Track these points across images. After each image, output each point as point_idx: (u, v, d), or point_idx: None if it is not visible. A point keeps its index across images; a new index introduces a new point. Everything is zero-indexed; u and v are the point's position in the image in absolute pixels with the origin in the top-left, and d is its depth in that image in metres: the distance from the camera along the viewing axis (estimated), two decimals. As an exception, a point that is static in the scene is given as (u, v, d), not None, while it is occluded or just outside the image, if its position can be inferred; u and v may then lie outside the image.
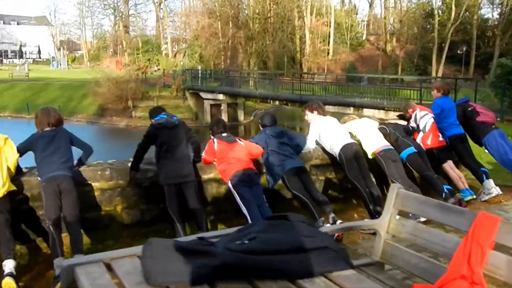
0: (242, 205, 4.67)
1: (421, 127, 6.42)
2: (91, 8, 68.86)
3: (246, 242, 2.45)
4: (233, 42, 41.64)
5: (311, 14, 48.58)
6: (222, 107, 30.06)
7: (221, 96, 29.01)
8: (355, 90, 22.58)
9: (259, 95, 26.08)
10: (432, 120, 6.37)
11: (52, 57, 76.21)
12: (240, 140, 5.12)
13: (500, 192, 6.17)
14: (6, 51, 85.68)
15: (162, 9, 62.28)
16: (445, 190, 5.62)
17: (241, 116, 31.09)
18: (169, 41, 59.04)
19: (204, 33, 43.59)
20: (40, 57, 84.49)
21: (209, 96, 29.96)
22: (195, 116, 30.91)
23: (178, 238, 3.07)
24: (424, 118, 6.46)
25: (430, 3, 49.43)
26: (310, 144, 5.77)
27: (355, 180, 5.37)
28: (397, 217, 2.92)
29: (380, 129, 6.03)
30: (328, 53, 51.14)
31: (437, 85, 7.15)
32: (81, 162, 4.67)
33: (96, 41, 72.68)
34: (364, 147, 5.74)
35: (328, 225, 4.77)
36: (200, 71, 34.92)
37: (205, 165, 5.16)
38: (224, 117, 27.59)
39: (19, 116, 32.62)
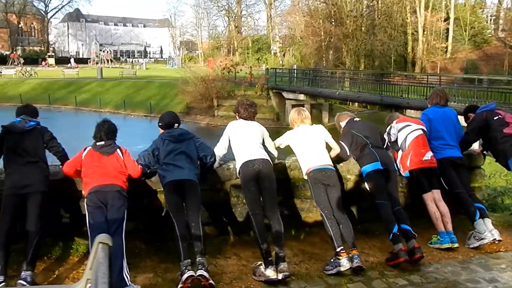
0: (88, 229, 3.86)
1: (399, 143, 4.93)
2: (207, 9, 71.32)
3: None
4: (331, 40, 39.60)
5: (425, 9, 44.03)
6: (304, 108, 28.22)
7: (302, 96, 27.45)
8: (468, 93, 18.18)
9: (339, 96, 23.93)
10: (417, 133, 4.94)
11: (169, 56, 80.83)
12: (121, 155, 4.18)
13: (498, 238, 4.72)
14: (133, 51, 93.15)
15: (272, 9, 62.59)
16: (394, 231, 4.32)
17: (325, 118, 29.01)
18: (277, 40, 59.07)
19: (306, 32, 42.64)
20: (162, 57, 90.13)
21: (291, 96, 28.65)
22: (276, 116, 29.61)
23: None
24: (403, 131, 4.93)
25: None
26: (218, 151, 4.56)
27: (249, 209, 4.22)
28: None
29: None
30: (446, 51, 45.99)
31: (432, 96, 5.58)
32: None
33: (210, 41, 75.27)
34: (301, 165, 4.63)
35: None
36: (280, 70, 33.73)
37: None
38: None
39: (117, 112, 34.62)
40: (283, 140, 4.75)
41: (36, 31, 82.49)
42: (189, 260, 3.75)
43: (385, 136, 5.08)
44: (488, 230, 4.73)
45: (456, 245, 4.69)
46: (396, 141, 5.03)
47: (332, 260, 4.19)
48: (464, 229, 5.00)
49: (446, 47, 46.05)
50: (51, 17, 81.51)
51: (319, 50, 41.80)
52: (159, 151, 4.26)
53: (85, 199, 4.00)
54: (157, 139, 4.38)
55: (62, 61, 66.87)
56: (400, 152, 4.98)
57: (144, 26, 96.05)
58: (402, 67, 41.81)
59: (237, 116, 4.63)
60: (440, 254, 4.66)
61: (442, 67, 43.41)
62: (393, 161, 4.80)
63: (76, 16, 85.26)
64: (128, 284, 3.62)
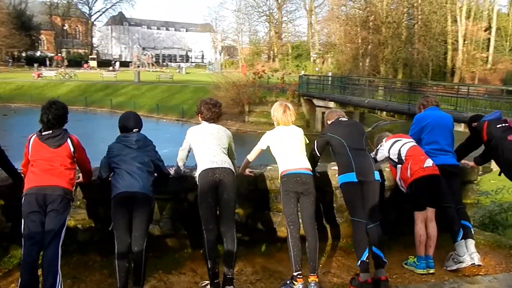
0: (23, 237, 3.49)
1: (396, 159, 4.58)
2: (248, 15, 71.74)
3: None
4: (367, 48, 38.89)
5: (466, 18, 42.55)
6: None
7: (331, 104, 27.01)
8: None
9: (367, 104, 23.38)
10: (410, 144, 4.58)
11: (209, 61, 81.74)
12: (72, 146, 3.75)
13: (477, 263, 4.38)
14: (175, 56, 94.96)
15: (312, 15, 62.26)
16: (363, 258, 3.98)
17: (355, 127, 28.37)
18: (317, 46, 58.71)
19: (342, 39, 42.15)
20: (203, 62, 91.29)
21: (321, 103, 28.32)
22: (306, 123, 29.25)
23: None
24: (395, 146, 4.60)
25: None
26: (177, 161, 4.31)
27: (203, 222, 3.87)
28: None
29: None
30: (486, 62, 44.27)
31: (421, 101, 5.24)
32: None
33: (251, 46, 75.67)
34: None
35: None
36: (314, 77, 33.06)
37: None
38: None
39: (150, 115, 35.11)
40: (263, 143, 4.30)
41: (80, 33, 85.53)
42: None
43: (373, 154, 4.66)
44: (468, 253, 4.39)
45: (431, 270, 4.36)
46: (389, 158, 4.65)
47: (287, 282, 3.97)
48: (449, 248, 4.63)
49: (487, 57, 44.45)
50: (94, 20, 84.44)
51: (355, 57, 41.17)
52: (113, 156, 3.93)
53: (22, 199, 3.58)
54: (112, 144, 4.02)
55: (104, 64, 69.04)
56: (398, 167, 4.56)
57: (187, 31, 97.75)
58: (441, 77, 40.52)
59: (199, 118, 4.25)
60: (412, 276, 4.39)
61: (481, 77, 41.93)
62: (372, 170, 4.17)
63: (119, 20, 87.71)
64: None
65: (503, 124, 4.74)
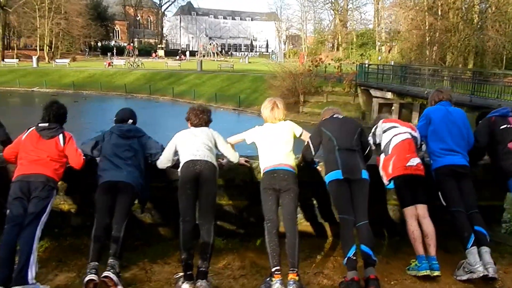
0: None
1: (382, 146, 4.40)
2: (312, 2, 70.73)
3: None
4: (434, 35, 36.83)
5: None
6: (393, 107, 26.73)
7: (389, 95, 25.99)
8: None
9: (426, 95, 22.11)
10: (403, 137, 4.33)
11: (272, 50, 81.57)
12: (63, 142, 4.03)
13: (491, 275, 3.86)
14: (240, 45, 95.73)
15: (380, 2, 60.11)
16: (350, 255, 3.80)
17: (415, 119, 27.09)
18: (383, 34, 56.79)
19: (408, 26, 40.28)
20: (267, 51, 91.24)
21: (378, 94, 27.28)
22: (362, 115, 28.38)
23: None
24: (388, 133, 4.41)
25: None
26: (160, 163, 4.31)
27: (181, 213, 3.90)
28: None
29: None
30: None
31: (434, 95, 4.81)
32: None
33: (315, 35, 74.64)
34: None
35: None
36: (365, 65, 32.03)
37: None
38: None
39: (209, 104, 35.32)
40: (248, 137, 4.37)
41: (151, 24, 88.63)
42: (96, 263, 3.63)
43: (370, 138, 4.52)
44: (479, 262, 3.93)
45: (436, 273, 3.96)
46: (379, 144, 4.46)
47: (267, 279, 3.85)
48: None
49: None
50: (165, 10, 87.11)
51: (421, 45, 39.17)
52: (103, 143, 4.18)
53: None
54: (106, 131, 4.27)
55: (172, 53, 71.12)
56: (382, 156, 4.37)
57: (252, 20, 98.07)
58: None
59: (188, 124, 4.34)
60: (414, 284, 4.01)
61: None
62: (360, 169, 4.09)
63: (188, 10, 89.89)
64: (30, 283, 3.48)
65: (507, 126, 4.37)
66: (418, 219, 4.16)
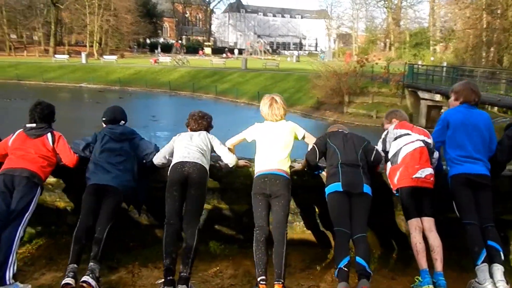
0: None
1: (390, 155, 4.08)
2: (365, 0, 69.28)
3: None
4: (492, 35, 35.00)
5: None
6: (442, 110, 25.57)
7: (438, 97, 24.87)
8: None
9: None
10: (415, 145, 3.97)
11: (321, 49, 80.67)
12: (51, 140, 3.98)
13: None
14: (288, 43, 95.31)
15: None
16: (341, 265, 3.54)
17: (464, 123, 25.81)
18: (437, 34, 54.80)
19: (464, 25, 38.58)
20: (316, 50, 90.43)
21: (426, 95, 26.20)
22: (409, 117, 27.22)
23: None
24: (398, 141, 4.06)
25: None
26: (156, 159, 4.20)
27: (166, 215, 3.81)
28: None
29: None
30: None
31: (454, 87, 4.34)
32: None
33: (367, 34, 73.17)
34: None
35: None
36: (412, 66, 30.71)
37: None
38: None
39: (251, 103, 35.52)
40: (248, 135, 4.16)
41: (200, 21, 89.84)
42: (75, 265, 3.53)
43: (380, 144, 4.18)
44: (489, 280, 3.55)
45: None
46: (388, 151, 4.12)
47: None
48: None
49: None
50: (213, 7, 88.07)
51: (476, 46, 37.34)
52: (95, 145, 4.13)
53: None
54: (99, 133, 4.20)
55: (219, 51, 71.77)
56: (388, 165, 4.06)
57: (302, 17, 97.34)
58: None
59: (188, 130, 4.27)
60: (417, 302, 3.67)
61: None
62: (362, 183, 3.83)
63: (236, 7, 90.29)
64: (8, 283, 3.42)
65: None
66: (424, 232, 3.84)
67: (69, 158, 4.05)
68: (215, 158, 4.31)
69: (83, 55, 54.20)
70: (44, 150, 3.90)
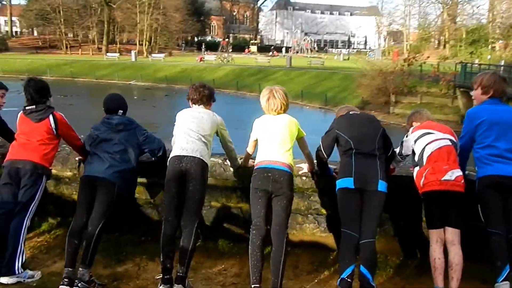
0: None
1: (416, 158, 3.74)
2: (418, -5, 66.94)
3: None
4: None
5: None
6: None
7: (489, 97, 23.46)
8: None
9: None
10: (441, 143, 3.64)
11: (369, 47, 78.87)
12: (54, 123, 3.83)
13: None
14: (336, 41, 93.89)
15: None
16: (344, 275, 3.36)
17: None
18: (497, 30, 52.02)
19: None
20: (365, 48, 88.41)
21: (478, 96, 24.68)
22: (461, 119, 26.16)
23: None
24: (420, 141, 3.74)
25: None
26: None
27: (164, 212, 3.75)
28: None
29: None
30: None
31: (481, 80, 3.80)
32: None
33: (419, 31, 70.67)
34: None
35: None
36: (465, 65, 29.31)
37: None
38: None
39: (294, 102, 34.92)
40: (253, 133, 3.86)
41: (247, 19, 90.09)
42: (70, 269, 3.51)
43: (397, 149, 3.88)
44: None
45: None
46: (408, 155, 3.85)
47: None
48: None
49: None
50: (260, 5, 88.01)
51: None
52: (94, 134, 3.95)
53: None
54: (97, 124, 4.00)
55: (265, 49, 71.78)
56: (416, 169, 3.72)
57: (351, 14, 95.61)
58: None
59: (190, 103, 3.97)
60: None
61: None
62: (377, 179, 3.50)
63: (284, 4, 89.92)
64: (17, 272, 3.53)
65: None
66: (446, 244, 3.50)
67: (75, 145, 4.04)
68: (223, 157, 4.25)
69: (133, 53, 55.70)
70: (46, 136, 3.80)
